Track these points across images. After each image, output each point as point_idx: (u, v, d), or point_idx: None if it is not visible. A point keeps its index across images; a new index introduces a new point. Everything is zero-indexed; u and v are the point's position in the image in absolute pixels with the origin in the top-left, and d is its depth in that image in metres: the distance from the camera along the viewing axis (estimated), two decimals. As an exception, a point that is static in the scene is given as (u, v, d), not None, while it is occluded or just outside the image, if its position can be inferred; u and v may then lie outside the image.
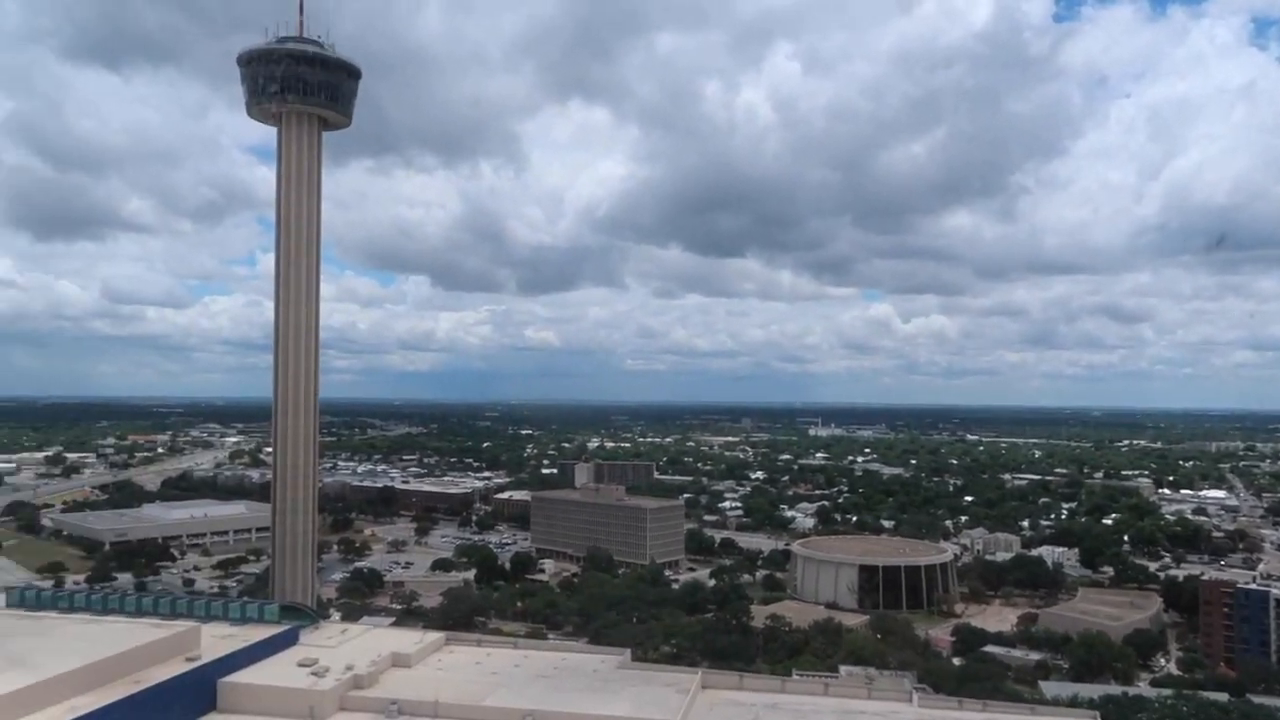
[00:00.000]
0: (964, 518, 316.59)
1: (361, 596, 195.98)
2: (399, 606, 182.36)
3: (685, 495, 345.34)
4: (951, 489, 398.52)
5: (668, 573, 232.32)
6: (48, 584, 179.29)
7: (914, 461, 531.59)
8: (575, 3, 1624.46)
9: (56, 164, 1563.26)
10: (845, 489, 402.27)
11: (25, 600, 74.95)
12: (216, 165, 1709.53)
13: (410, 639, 73.96)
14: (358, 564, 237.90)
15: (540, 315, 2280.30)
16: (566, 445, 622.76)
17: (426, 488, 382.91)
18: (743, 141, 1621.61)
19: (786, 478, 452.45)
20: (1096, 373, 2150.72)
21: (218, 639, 65.56)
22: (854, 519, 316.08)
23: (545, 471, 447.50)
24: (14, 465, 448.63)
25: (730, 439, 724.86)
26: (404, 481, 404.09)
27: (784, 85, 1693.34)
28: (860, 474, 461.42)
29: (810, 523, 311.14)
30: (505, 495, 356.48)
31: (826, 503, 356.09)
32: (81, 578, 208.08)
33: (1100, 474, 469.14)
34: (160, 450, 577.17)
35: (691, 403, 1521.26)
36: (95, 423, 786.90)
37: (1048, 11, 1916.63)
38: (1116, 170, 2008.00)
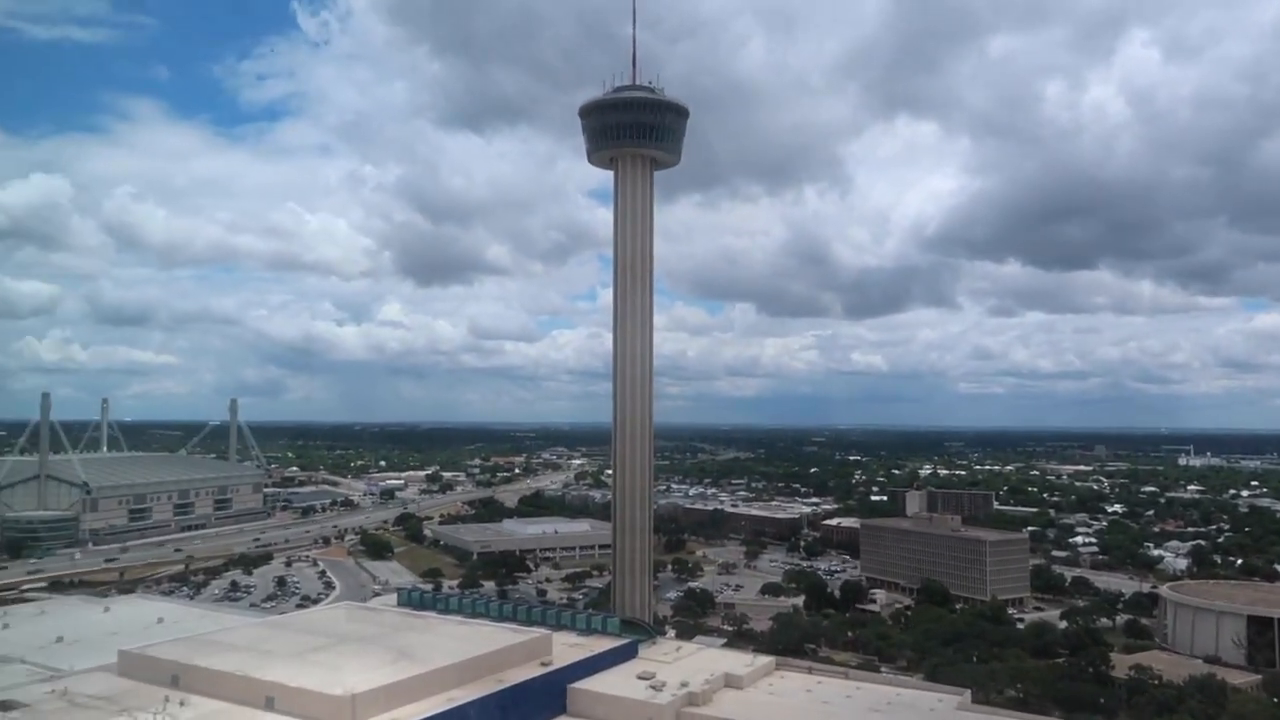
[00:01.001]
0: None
1: (694, 616, 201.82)
2: (730, 628, 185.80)
3: (1030, 528, 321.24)
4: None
5: (1011, 610, 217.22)
6: (429, 587, 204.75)
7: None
8: (899, 17, 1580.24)
9: (433, 219, 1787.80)
10: (1226, 527, 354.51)
11: (412, 600, 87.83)
12: (563, 210, 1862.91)
13: (741, 661, 75.52)
14: (690, 584, 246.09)
15: (867, 339, 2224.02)
16: (896, 472, 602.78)
17: (755, 512, 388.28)
18: (1091, 142, 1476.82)
19: (1151, 512, 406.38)
20: None
21: (566, 646, 71.43)
22: (1238, 562, 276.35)
23: (874, 498, 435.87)
24: (402, 482, 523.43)
25: (1081, 468, 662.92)
26: (733, 505, 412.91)
27: (1139, 76, 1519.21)
28: (1246, 510, 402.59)
29: (1182, 564, 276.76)
30: (833, 522, 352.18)
31: (1203, 542, 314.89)
32: (455, 583, 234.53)
33: None
34: (517, 471, 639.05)
35: (1033, 428, 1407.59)
36: (465, 445, 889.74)
37: None
38: None
